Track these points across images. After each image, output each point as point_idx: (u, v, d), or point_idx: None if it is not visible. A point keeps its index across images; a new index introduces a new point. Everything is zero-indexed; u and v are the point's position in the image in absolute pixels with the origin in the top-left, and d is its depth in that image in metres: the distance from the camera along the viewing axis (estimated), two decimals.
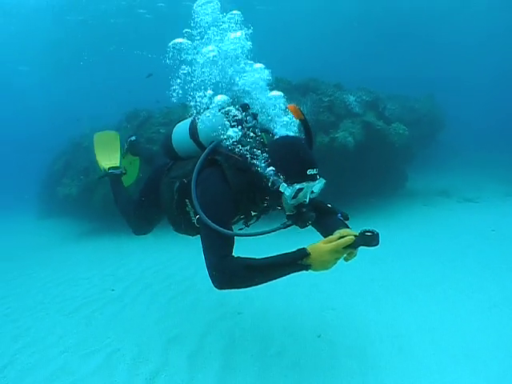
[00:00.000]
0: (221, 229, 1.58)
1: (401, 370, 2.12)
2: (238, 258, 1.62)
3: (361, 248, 1.56)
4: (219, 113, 1.90)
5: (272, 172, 1.66)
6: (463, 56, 18.77)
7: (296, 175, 1.61)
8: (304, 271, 1.54)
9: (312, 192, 1.70)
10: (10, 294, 3.60)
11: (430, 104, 8.57)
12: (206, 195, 1.72)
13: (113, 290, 3.53)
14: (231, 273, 1.57)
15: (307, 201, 1.68)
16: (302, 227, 1.69)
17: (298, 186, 1.58)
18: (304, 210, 1.66)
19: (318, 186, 1.71)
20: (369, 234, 1.50)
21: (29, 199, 8.65)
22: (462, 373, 2.07)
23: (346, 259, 1.60)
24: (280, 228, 1.70)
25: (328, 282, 3.33)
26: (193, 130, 1.94)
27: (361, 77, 10.51)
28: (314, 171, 1.63)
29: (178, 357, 2.31)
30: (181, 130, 2.01)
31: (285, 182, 1.62)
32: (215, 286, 1.61)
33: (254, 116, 1.89)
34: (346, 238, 1.50)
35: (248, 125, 1.83)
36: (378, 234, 1.49)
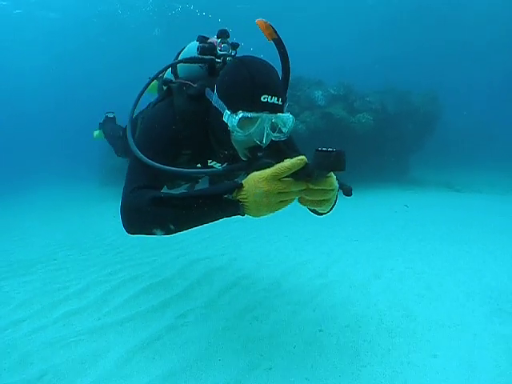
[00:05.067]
0: (144, 157, 1.34)
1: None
2: (154, 190, 1.33)
3: None
4: (195, 41, 1.82)
5: (215, 98, 1.40)
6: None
7: (242, 100, 1.30)
8: (239, 216, 1.13)
9: (275, 130, 1.42)
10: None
11: (427, 98, 9.60)
12: (144, 124, 1.59)
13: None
14: (136, 207, 1.26)
15: (264, 142, 1.35)
16: None
17: (241, 115, 1.28)
18: (260, 154, 1.36)
19: (280, 120, 1.39)
20: (328, 152, 0.97)
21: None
22: None
23: (303, 201, 1.13)
24: (218, 171, 1.42)
25: None
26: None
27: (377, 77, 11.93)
28: (274, 100, 1.30)
29: None
30: None
31: (228, 109, 1.33)
32: (123, 227, 1.34)
33: (234, 46, 1.74)
34: (293, 159, 1.05)
35: (220, 53, 1.69)
36: (342, 151, 0.97)
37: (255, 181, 1.08)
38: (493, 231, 4.79)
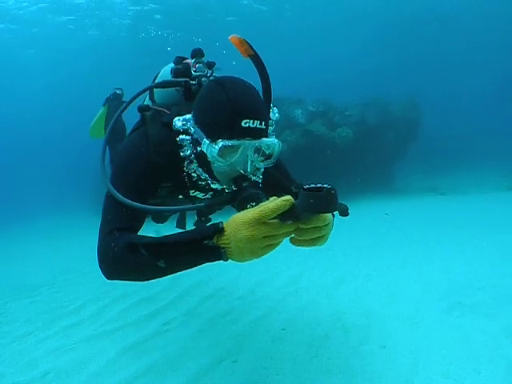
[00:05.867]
0: (119, 195, 1.27)
1: None
2: (130, 234, 1.26)
3: None
4: (172, 63, 1.74)
5: (192, 125, 1.32)
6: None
7: (222, 127, 1.22)
8: (222, 261, 1.07)
9: (260, 155, 1.34)
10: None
11: (407, 107, 10.01)
12: (117, 157, 1.51)
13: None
14: (112, 254, 1.21)
15: (248, 170, 1.27)
16: (239, 209, 1.21)
17: (221, 144, 1.20)
18: (244, 184, 1.27)
19: (265, 146, 1.31)
20: (316, 190, 0.91)
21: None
22: None
23: (294, 242, 1.09)
24: (200, 207, 1.29)
25: None
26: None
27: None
28: (256, 124, 1.22)
29: None
30: None
31: (207, 138, 1.24)
32: (102, 273, 1.29)
33: (209, 65, 1.67)
34: (278, 200, 0.99)
35: (196, 74, 1.60)
36: (332, 189, 0.92)
37: (237, 225, 1.01)
38: (470, 230, 5.19)
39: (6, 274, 5.03)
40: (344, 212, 1.31)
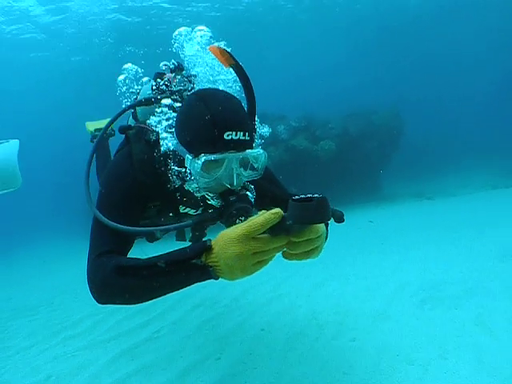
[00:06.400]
0: (105, 218, 1.26)
1: None
2: (118, 257, 1.25)
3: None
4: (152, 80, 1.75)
5: (175, 141, 1.32)
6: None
7: (204, 141, 1.21)
8: (213, 280, 1.08)
9: (247, 167, 1.33)
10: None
11: (389, 116, 10.32)
12: (102, 179, 1.48)
13: None
14: (101, 279, 1.19)
15: (235, 184, 1.26)
16: (228, 225, 1.23)
17: (204, 158, 1.19)
18: (232, 199, 1.25)
19: (251, 157, 1.30)
20: (306, 201, 0.90)
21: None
22: None
23: (287, 256, 1.07)
24: (188, 225, 1.27)
25: None
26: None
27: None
28: (239, 136, 1.21)
29: None
30: None
31: (190, 153, 1.25)
32: (93, 298, 1.25)
33: (190, 78, 1.64)
34: (267, 214, 0.98)
35: (176, 88, 1.59)
36: (323, 198, 0.90)
37: (225, 242, 1.00)
38: (452, 230, 5.49)
39: (6, 296, 5.30)
40: (340, 218, 1.32)
